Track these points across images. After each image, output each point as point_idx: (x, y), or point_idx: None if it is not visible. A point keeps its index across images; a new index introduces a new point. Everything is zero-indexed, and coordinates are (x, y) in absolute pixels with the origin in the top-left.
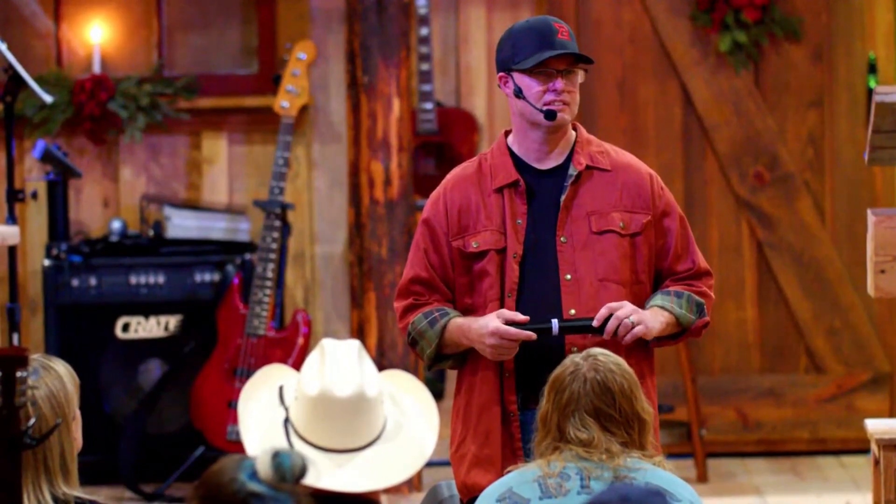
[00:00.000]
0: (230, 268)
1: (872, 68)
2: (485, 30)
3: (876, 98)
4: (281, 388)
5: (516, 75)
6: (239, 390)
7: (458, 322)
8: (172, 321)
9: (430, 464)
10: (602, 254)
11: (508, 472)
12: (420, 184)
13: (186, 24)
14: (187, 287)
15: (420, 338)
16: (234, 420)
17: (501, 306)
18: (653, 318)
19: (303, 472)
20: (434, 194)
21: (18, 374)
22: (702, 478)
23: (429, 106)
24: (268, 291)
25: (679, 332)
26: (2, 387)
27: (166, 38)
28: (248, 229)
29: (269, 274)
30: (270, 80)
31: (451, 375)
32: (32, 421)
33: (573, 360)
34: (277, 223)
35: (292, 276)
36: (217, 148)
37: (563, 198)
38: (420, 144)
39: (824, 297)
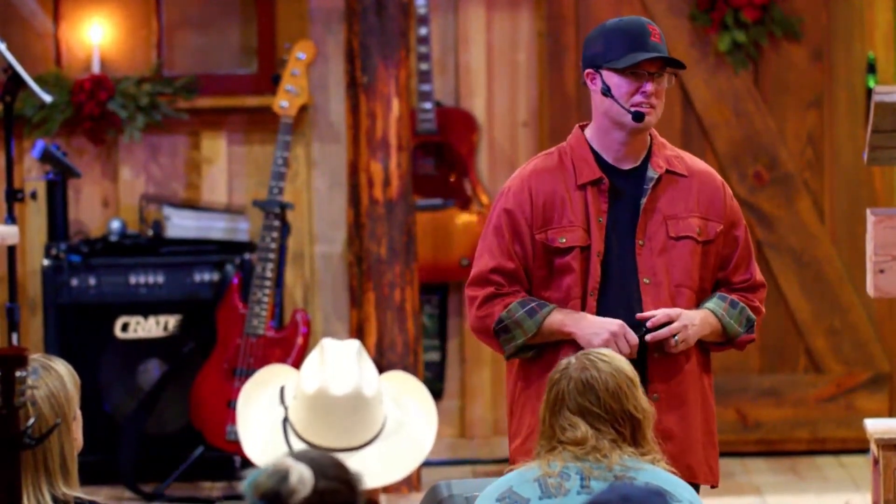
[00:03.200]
0: (229, 267)
1: (872, 68)
2: (484, 29)
3: (875, 98)
4: (282, 389)
5: (605, 73)
6: (238, 390)
7: (563, 313)
8: (172, 321)
9: (429, 463)
10: (679, 259)
11: (508, 471)
12: (419, 184)
13: (186, 23)
14: (186, 287)
15: (515, 326)
16: (234, 420)
17: (583, 304)
18: (700, 327)
19: (278, 492)
20: (515, 185)
21: (17, 373)
22: None
23: (428, 106)
24: (267, 291)
25: (722, 343)
26: (1, 386)
27: (165, 38)
28: (248, 229)
29: (269, 274)
30: (270, 80)
31: (451, 375)
32: (32, 421)
33: (567, 359)
34: (277, 223)
35: (291, 276)
36: (216, 148)
37: (643, 201)
38: (419, 144)
39: (824, 297)
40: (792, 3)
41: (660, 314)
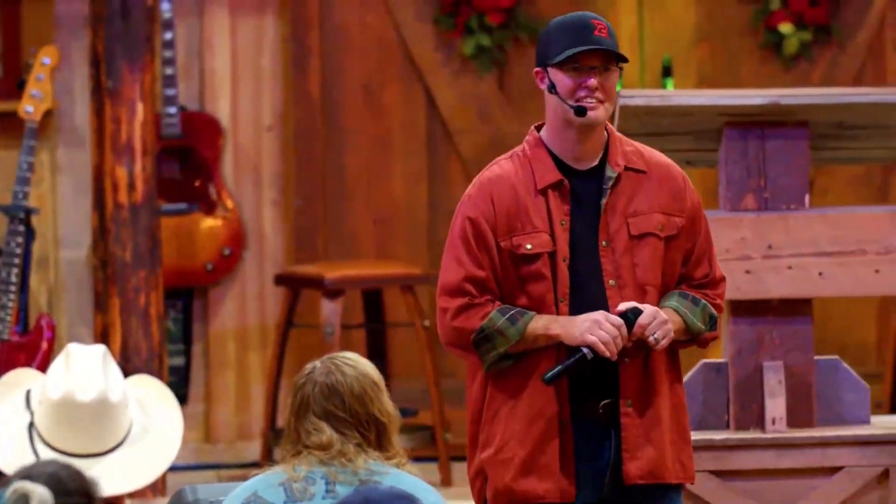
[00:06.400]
0: None
1: None
2: (228, 34)
3: (620, 101)
4: (28, 393)
5: (550, 70)
6: None
7: (546, 318)
8: None
9: (174, 468)
10: (641, 258)
11: (253, 475)
12: (164, 188)
13: None
14: None
15: (497, 335)
16: None
17: (556, 311)
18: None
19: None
20: (475, 192)
21: None
22: (446, 481)
23: (173, 110)
24: (11, 296)
25: (685, 341)
26: None
27: None
28: None
29: (13, 278)
30: (15, 85)
31: (196, 380)
32: None
33: (312, 363)
34: (21, 228)
35: (36, 281)
36: None
37: (603, 201)
38: (164, 148)
39: None
40: (537, 7)
41: (626, 305)
